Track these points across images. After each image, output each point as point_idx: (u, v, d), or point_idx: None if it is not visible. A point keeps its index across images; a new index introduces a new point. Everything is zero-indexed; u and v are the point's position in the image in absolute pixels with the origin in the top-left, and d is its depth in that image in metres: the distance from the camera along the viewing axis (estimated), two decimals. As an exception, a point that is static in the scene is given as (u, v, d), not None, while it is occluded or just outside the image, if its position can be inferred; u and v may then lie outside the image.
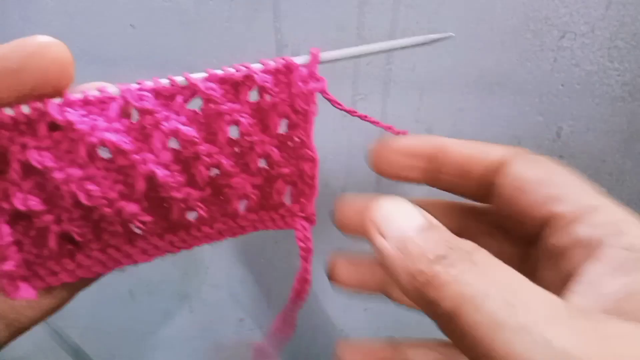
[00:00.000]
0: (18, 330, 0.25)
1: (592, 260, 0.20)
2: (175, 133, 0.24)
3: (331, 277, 0.31)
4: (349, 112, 0.27)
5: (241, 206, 0.28)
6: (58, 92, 0.22)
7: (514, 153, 0.26)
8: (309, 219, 0.29)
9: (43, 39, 0.20)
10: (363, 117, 0.28)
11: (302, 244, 0.28)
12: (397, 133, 0.29)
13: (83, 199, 0.22)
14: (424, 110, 0.45)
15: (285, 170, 0.27)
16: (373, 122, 0.27)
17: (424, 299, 0.19)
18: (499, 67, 0.43)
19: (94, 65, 0.42)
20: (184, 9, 0.40)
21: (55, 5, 0.40)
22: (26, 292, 0.23)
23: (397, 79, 0.44)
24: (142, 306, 0.58)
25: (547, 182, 0.24)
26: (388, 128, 0.28)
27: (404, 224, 0.21)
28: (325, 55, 0.26)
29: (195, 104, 0.25)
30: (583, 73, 0.43)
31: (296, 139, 0.26)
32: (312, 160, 0.26)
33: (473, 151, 0.27)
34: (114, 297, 0.56)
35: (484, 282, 0.18)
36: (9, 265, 0.22)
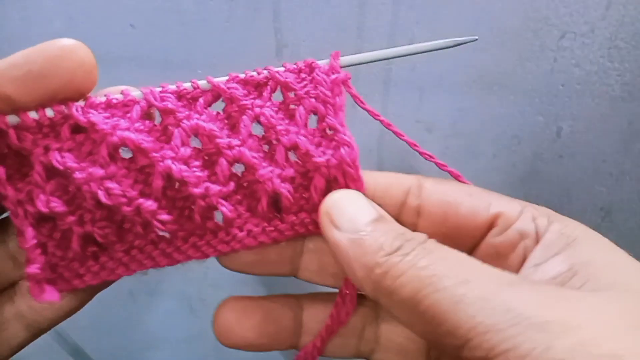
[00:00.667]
0: (37, 331, 0.25)
1: (536, 247, 0.22)
2: (195, 130, 0.24)
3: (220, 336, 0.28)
4: (370, 112, 0.26)
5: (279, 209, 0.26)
6: (81, 95, 0.22)
7: (421, 178, 0.26)
8: None
9: (67, 42, 0.20)
10: (386, 125, 0.26)
11: (345, 291, 0.26)
12: (423, 154, 0.26)
13: (102, 197, 0.22)
14: (424, 110, 0.45)
15: (320, 160, 0.24)
16: (397, 133, 0.26)
17: (383, 290, 0.19)
18: (499, 67, 0.43)
19: (94, 65, 0.42)
20: (184, 9, 0.40)
21: (55, 5, 0.40)
22: (51, 295, 0.23)
23: (397, 79, 0.44)
24: (142, 306, 0.58)
25: (472, 193, 0.25)
26: (413, 145, 0.26)
27: (357, 216, 0.21)
28: (345, 58, 0.25)
29: (218, 109, 0.25)
30: (583, 73, 0.43)
31: (329, 131, 0.25)
32: (349, 145, 0.24)
33: (389, 180, 0.26)
34: (114, 297, 0.56)
35: (439, 265, 0.19)
36: (33, 268, 0.22)
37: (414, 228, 0.25)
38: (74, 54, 0.20)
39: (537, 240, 0.23)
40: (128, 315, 0.58)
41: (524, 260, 0.23)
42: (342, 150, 0.24)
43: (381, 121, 0.26)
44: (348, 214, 0.22)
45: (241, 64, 0.42)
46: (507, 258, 0.23)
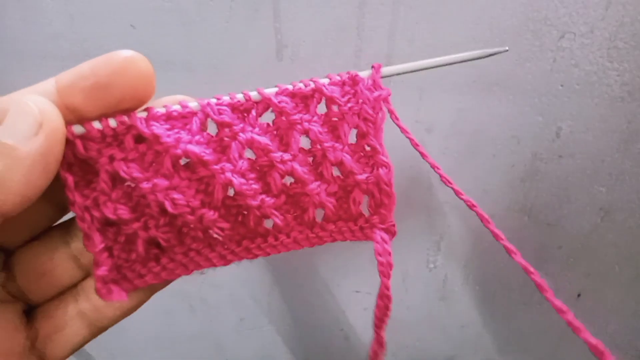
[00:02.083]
0: (97, 330, 0.26)
1: None
2: (250, 143, 0.25)
3: None
4: (403, 131, 0.27)
5: (319, 217, 0.28)
6: (141, 104, 0.23)
7: None
8: (389, 230, 0.28)
9: (129, 53, 0.21)
10: (415, 145, 0.27)
11: (381, 259, 0.27)
12: (442, 176, 0.28)
13: (169, 207, 0.24)
14: (424, 110, 0.45)
15: (361, 178, 0.27)
16: (422, 154, 0.27)
17: None
18: (499, 67, 0.43)
19: (94, 65, 0.42)
20: (184, 9, 0.40)
21: (55, 5, 0.40)
22: (118, 295, 0.25)
23: (397, 79, 0.44)
24: (142, 306, 0.58)
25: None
26: (435, 167, 0.27)
27: None
28: (386, 69, 0.27)
29: (267, 119, 0.26)
30: (582, 73, 0.43)
31: (367, 148, 0.27)
32: (387, 166, 0.26)
33: None
34: (114, 297, 0.56)
35: None
36: (102, 271, 0.24)
37: None
38: (136, 64, 0.21)
39: None
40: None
41: None
42: (380, 170, 0.26)
43: (410, 139, 0.27)
44: None
45: (241, 64, 0.43)
46: None
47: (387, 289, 0.28)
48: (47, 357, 0.26)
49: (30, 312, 0.26)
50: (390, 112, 0.27)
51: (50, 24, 0.41)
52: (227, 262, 0.27)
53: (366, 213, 0.28)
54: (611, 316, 0.58)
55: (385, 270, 0.27)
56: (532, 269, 0.25)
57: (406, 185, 0.49)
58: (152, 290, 0.27)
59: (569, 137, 0.46)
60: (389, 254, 0.28)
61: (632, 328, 0.59)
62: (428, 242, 0.55)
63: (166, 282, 0.27)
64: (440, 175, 0.28)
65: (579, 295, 0.57)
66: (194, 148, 0.24)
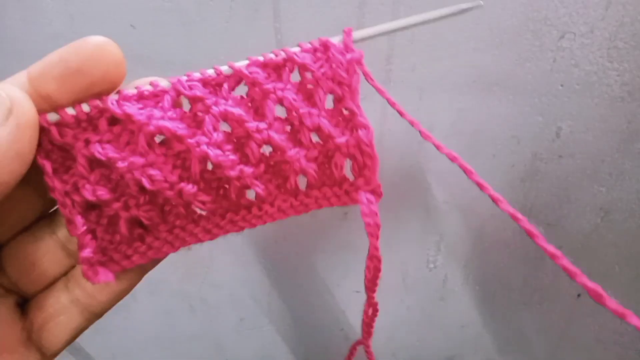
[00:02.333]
0: (91, 316, 0.27)
1: None
2: (224, 115, 0.25)
3: None
4: (379, 90, 0.27)
5: (302, 184, 0.28)
6: (113, 88, 0.23)
7: None
8: (375, 192, 0.28)
9: (98, 39, 0.22)
10: (392, 104, 0.27)
11: (368, 220, 0.27)
12: (421, 132, 0.28)
13: (147, 184, 0.24)
14: (424, 110, 0.45)
15: (340, 141, 0.26)
16: (399, 112, 0.26)
17: None
18: (499, 67, 0.43)
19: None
20: (184, 9, 0.40)
21: (55, 5, 0.40)
22: (105, 276, 0.25)
23: (397, 79, 0.44)
24: (142, 306, 0.58)
25: None
26: (412, 123, 0.27)
27: None
28: (358, 33, 0.26)
29: (241, 93, 0.26)
30: (582, 73, 0.43)
31: (345, 111, 0.26)
32: (366, 127, 0.26)
33: None
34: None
35: None
36: (86, 253, 0.25)
37: None
38: (106, 50, 0.22)
39: None
40: (128, 315, 0.58)
41: None
42: (360, 132, 0.26)
43: (387, 99, 0.27)
44: None
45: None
46: None
47: (376, 249, 0.28)
48: (45, 347, 0.26)
49: (24, 304, 0.27)
50: (365, 74, 0.26)
51: (50, 24, 0.41)
52: (213, 237, 0.27)
53: (351, 178, 0.28)
54: (611, 316, 0.58)
55: (372, 230, 0.27)
56: (520, 216, 0.25)
57: (406, 185, 0.49)
58: (142, 271, 0.27)
59: (569, 137, 0.46)
60: (376, 214, 0.28)
61: (633, 328, 0.59)
62: (428, 242, 0.55)
63: (155, 262, 0.28)
64: (420, 132, 0.27)
65: (579, 295, 0.57)
66: (167, 123, 0.24)
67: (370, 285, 0.30)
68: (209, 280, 0.56)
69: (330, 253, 0.56)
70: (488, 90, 0.44)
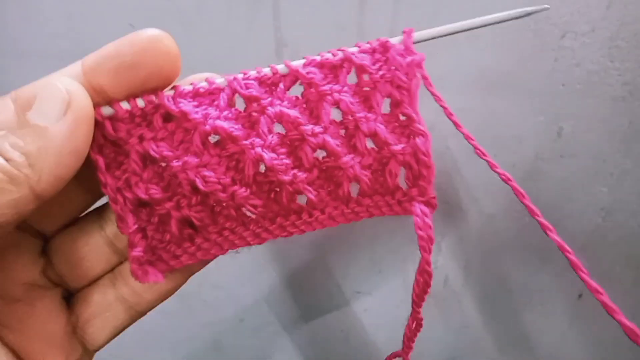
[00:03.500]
0: (136, 314, 0.27)
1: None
2: (279, 116, 0.24)
3: None
4: (437, 98, 0.25)
5: (354, 191, 0.26)
6: (168, 83, 0.23)
7: None
8: (430, 203, 0.27)
9: (154, 32, 0.21)
10: (449, 115, 0.25)
11: (422, 233, 0.26)
12: (475, 147, 0.27)
13: (200, 185, 0.24)
14: (424, 110, 0.45)
15: (396, 149, 0.25)
16: (455, 123, 0.25)
17: None
18: (499, 67, 0.43)
19: (93, 65, 0.42)
20: (184, 8, 0.40)
21: (55, 5, 0.40)
22: (155, 277, 0.25)
23: (397, 78, 0.43)
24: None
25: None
26: (468, 137, 0.26)
27: None
28: (419, 34, 0.25)
29: (296, 92, 0.25)
30: (584, 73, 0.43)
31: (402, 117, 0.25)
32: (424, 135, 0.25)
33: None
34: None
35: None
36: (137, 252, 0.24)
37: None
38: (161, 43, 0.21)
39: None
40: (128, 315, 0.58)
41: None
42: (417, 140, 0.25)
43: (444, 108, 0.26)
44: None
45: (241, 63, 0.43)
46: None
47: (428, 264, 0.27)
48: (88, 342, 0.27)
49: (70, 297, 0.27)
50: (424, 78, 0.25)
51: (50, 24, 0.41)
52: (261, 241, 0.27)
53: (404, 186, 0.27)
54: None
55: (426, 245, 0.26)
56: (568, 248, 0.24)
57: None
58: (189, 272, 0.27)
59: (571, 137, 0.46)
60: (430, 227, 0.26)
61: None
62: (429, 243, 0.54)
63: (203, 264, 0.27)
64: (475, 147, 0.26)
65: (580, 295, 0.56)
66: (223, 124, 0.23)
67: (418, 299, 0.28)
68: (209, 280, 0.56)
69: (330, 253, 0.56)
70: (489, 90, 0.44)
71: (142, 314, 0.27)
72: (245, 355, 0.65)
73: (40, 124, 0.20)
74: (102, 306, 0.27)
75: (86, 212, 0.28)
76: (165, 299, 0.27)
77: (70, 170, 0.21)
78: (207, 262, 0.27)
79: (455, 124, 0.25)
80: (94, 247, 0.27)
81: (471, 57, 0.42)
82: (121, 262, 0.27)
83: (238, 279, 0.57)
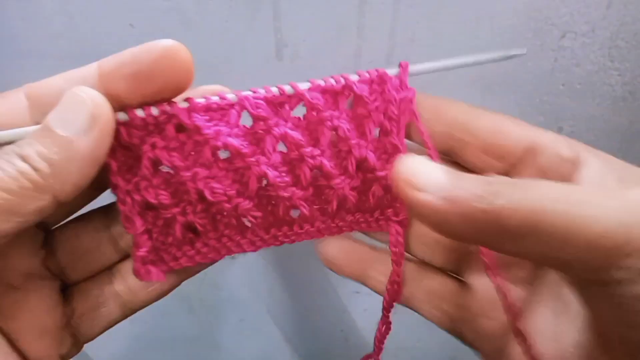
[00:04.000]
0: (129, 312, 0.28)
1: (584, 169, 0.25)
2: (284, 137, 0.26)
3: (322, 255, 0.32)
4: (420, 132, 0.28)
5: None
6: (179, 93, 0.24)
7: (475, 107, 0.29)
8: (402, 224, 0.30)
9: (169, 42, 0.22)
10: (428, 147, 0.28)
11: (394, 249, 0.29)
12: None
13: (208, 195, 0.26)
14: (424, 110, 0.45)
15: (381, 174, 0.28)
16: (430, 155, 0.27)
17: (492, 227, 0.19)
18: (499, 67, 0.43)
19: (93, 65, 0.42)
20: (184, 8, 0.40)
21: (55, 5, 0.40)
22: (157, 276, 0.27)
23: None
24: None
25: (518, 122, 0.28)
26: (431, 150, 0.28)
27: (436, 176, 0.20)
28: (414, 67, 0.28)
29: (298, 111, 0.27)
30: (584, 73, 0.43)
31: (389, 146, 0.28)
32: None
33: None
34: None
35: (538, 187, 0.19)
36: (142, 252, 0.26)
37: (464, 145, 0.27)
38: (177, 54, 0.22)
39: (576, 163, 0.25)
40: (128, 315, 0.58)
41: (564, 179, 0.25)
42: None
43: (425, 141, 0.28)
44: (426, 175, 0.21)
45: (241, 63, 0.43)
46: (546, 177, 0.25)
47: (398, 276, 0.30)
48: (80, 334, 0.28)
49: (66, 290, 0.28)
50: (414, 114, 0.28)
51: (50, 23, 0.41)
52: (256, 248, 0.29)
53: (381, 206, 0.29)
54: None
55: (397, 259, 0.29)
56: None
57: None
58: (184, 274, 0.29)
59: (571, 137, 0.46)
60: (402, 245, 0.30)
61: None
62: (428, 243, 0.54)
63: (198, 269, 0.29)
64: None
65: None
66: (234, 141, 0.25)
67: (388, 306, 0.31)
68: (208, 280, 0.56)
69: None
70: (489, 90, 0.44)
71: (134, 311, 0.28)
72: (245, 355, 0.65)
73: (65, 135, 0.21)
74: (98, 301, 0.27)
75: (94, 208, 0.29)
76: (159, 299, 0.28)
77: (90, 180, 0.22)
78: (203, 267, 0.29)
79: (432, 157, 0.27)
80: (99, 243, 0.28)
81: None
82: (120, 260, 0.28)
83: (238, 279, 0.57)
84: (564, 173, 0.25)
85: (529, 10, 0.40)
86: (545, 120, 0.45)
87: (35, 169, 0.20)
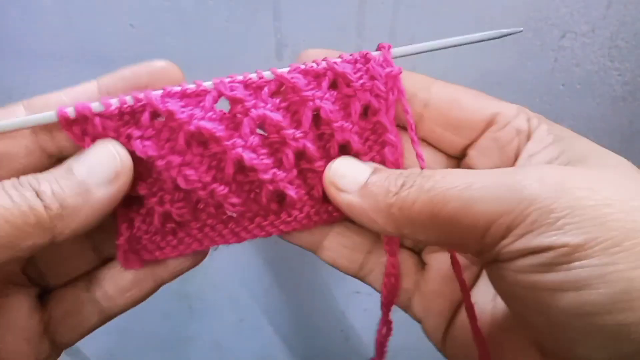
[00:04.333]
0: (106, 318, 0.28)
1: (529, 142, 0.25)
2: (262, 119, 0.25)
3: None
4: (405, 111, 0.26)
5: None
6: None
7: (433, 79, 0.29)
8: None
9: (164, 63, 0.25)
10: (410, 129, 0.26)
11: (386, 238, 0.28)
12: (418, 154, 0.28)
13: (181, 182, 0.25)
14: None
15: (366, 159, 0.27)
16: (412, 139, 0.26)
17: (404, 222, 0.22)
18: (499, 67, 0.43)
19: (93, 65, 0.41)
20: (184, 9, 0.40)
21: (55, 5, 0.40)
22: (135, 264, 0.27)
23: (397, 78, 0.44)
24: (142, 306, 0.58)
25: (477, 95, 0.28)
26: (420, 158, 0.27)
27: (357, 175, 0.24)
28: (397, 50, 0.27)
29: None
30: (584, 73, 0.43)
31: (378, 125, 0.27)
32: (394, 146, 0.26)
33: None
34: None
35: (441, 182, 0.21)
36: (121, 240, 0.26)
37: (420, 118, 0.27)
38: (168, 71, 0.25)
39: (529, 136, 0.26)
40: (127, 315, 0.58)
41: (517, 152, 0.26)
42: (386, 149, 0.26)
43: (409, 123, 0.26)
44: (349, 176, 0.25)
45: (241, 64, 0.43)
46: (504, 150, 0.26)
47: (394, 267, 0.28)
48: (58, 340, 0.27)
49: (44, 295, 0.27)
50: (400, 91, 0.26)
51: (49, 24, 0.41)
52: (240, 239, 0.28)
53: None
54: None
55: (391, 249, 0.28)
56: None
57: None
58: (160, 281, 0.29)
59: (570, 137, 0.46)
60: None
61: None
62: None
63: (174, 275, 0.29)
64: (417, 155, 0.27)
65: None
66: (207, 124, 0.24)
67: (387, 302, 0.29)
68: (208, 280, 0.56)
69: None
70: (489, 90, 0.43)
71: (111, 317, 0.28)
72: (244, 356, 0.65)
73: (86, 182, 0.22)
74: (76, 307, 0.27)
75: None
76: (135, 305, 0.28)
77: (89, 228, 0.23)
78: (179, 273, 0.28)
79: (412, 140, 0.26)
80: (79, 249, 0.28)
81: (471, 57, 0.42)
82: (99, 266, 0.28)
83: (238, 279, 0.57)
84: (520, 145, 0.26)
85: (529, 10, 0.40)
86: (545, 120, 0.45)
87: (46, 207, 0.21)
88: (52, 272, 0.27)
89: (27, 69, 0.42)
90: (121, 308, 0.28)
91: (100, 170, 0.23)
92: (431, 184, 0.21)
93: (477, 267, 0.28)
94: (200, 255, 0.28)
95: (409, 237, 0.23)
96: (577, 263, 0.18)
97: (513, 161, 0.26)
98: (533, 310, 0.20)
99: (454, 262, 0.26)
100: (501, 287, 0.22)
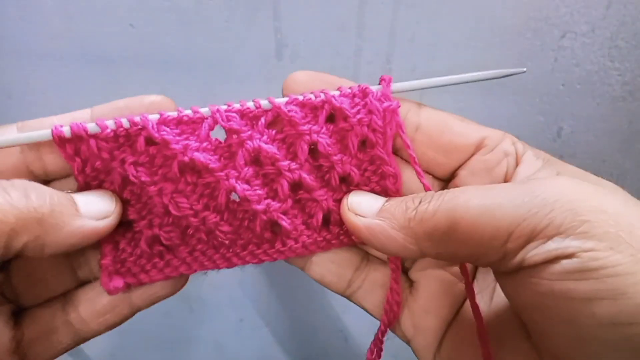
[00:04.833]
0: (80, 340, 0.28)
1: (521, 164, 0.26)
2: (257, 151, 0.26)
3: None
4: (405, 144, 0.27)
5: (327, 222, 0.28)
6: None
7: (421, 104, 0.29)
8: None
9: (159, 98, 0.26)
10: (413, 162, 0.27)
11: (392, 266, 0.28)
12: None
13: (173, 210, 0.25)
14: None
15: (366, 189, 0.27)
16: (417, 172, 0.27)
17: (423, 236, 0.22)
18: (500, 66, 0.43)
19: (94, 65, 0.41)
20: (184, 9, 0.40)
21: (55, 5, 0.40)
22: (117, 283, 0.26)
23: (397, 78, 0.43)
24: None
25: (464, 119, 0.28)
26: (425, 187, 0.27)
27: (374, 202, 0.25)
28: (397, 85, 0.27)
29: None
30: (584, 73, 0.43)
31: (376, 158, 0.27)
32: (395, 177, 0.27)
33: None
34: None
35: (459, 194, 0.21)
36: (106, 261, 0.26)
37: (411, 141, 0.28)
38: (161, 104, 0.25)
39: (517, 159, 0.26)
40: (128, 315, 0.58)
41: (506, 174, 0.26)
42: (387, 181, 0.27)
43: (411, 156, 0.27)
44: (366, 203, 0.26)
45: (241, 63, 0.43)
46: (493, 172, 0.27)
47: (399, 294, 0.28)
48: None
49: (18, 314, 0.27)
50: (398, 125, 0.27)
51: (49, 24, 0.41)
52: (231, 265, 0.28)
53: None
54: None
55: (395, 275, 0.28)
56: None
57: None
58: (135, 309, 0.28)
59: (570, 137, 0.46)
60: (398, 258, 0.28)
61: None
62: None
63: (152, 301, 0.28)
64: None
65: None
66: (200, 156, 0.25)
67: (385, 329, 0.30)
68: (208, 281, 0.56)
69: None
70: (489, 90, 0.44)
71: (85, 340, 0.28)
72: (244, 356, 0.65)
73: (82, 214, 0.23)
74: (50, 327, 0.27)
75: None
76: (110, 330, 0.28)
77: (76, 248, 0.23)
78: (158, 299, 0.28)
79: (418, 173, 0.27)
80: (57, 270, 0.27)
81: (470, 57, 0.42)
82: (76, 288, 0.28)
83: (237, 279, 0.57)
84: (509, 167, 0.26)
85: (529, 10, 0.40)
86: (545, 120, 0.45)
87: (37, 206, 0.21)
88: (27, 291, 0.27)
89: (27, 69, 0.42)
90: (95, 332, 0.28)
91: (96, 206, 0.24)
92: (451, 195, 0.21)
93: (462, 284, 0.28)
94: (180, 283, 0.28)
95: (428, 252, 0.23)
96: (610, 270, 0.17)
97: (502, 180, 0.26)
98: (559, 320, 0.19)
99: (464, 271, 0.26)
100: (523, 296, 0.21)
